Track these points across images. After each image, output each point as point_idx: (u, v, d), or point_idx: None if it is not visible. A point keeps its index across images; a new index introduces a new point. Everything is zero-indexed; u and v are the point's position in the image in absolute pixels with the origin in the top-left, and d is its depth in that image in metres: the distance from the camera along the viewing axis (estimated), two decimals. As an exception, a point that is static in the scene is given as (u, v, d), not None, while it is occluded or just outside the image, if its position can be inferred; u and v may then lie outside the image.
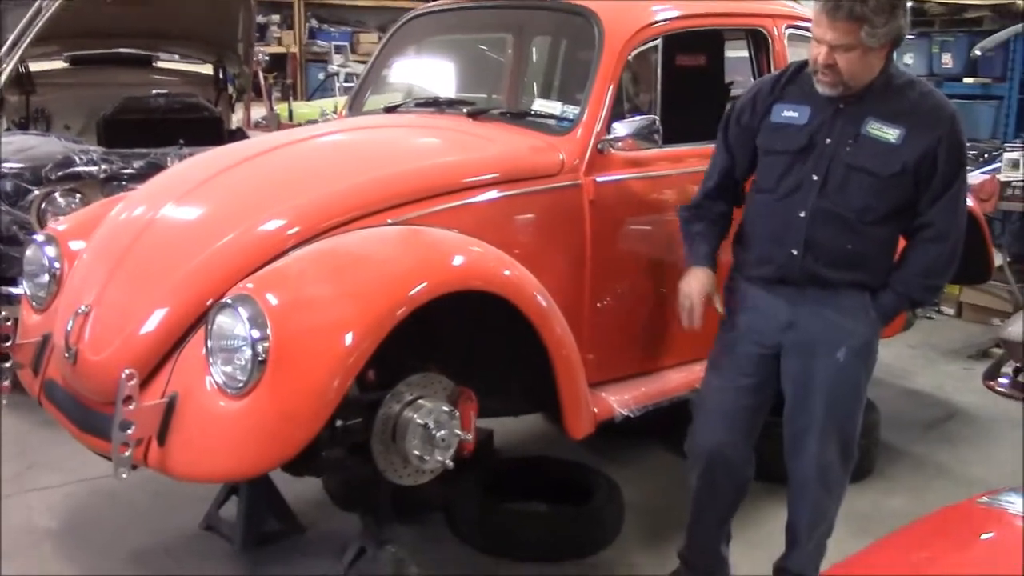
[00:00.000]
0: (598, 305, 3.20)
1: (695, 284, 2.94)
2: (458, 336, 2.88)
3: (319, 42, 14.06)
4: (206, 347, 2.54)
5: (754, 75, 3.84)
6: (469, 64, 4.37)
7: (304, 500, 3.71)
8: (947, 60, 7.63)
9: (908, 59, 8.17)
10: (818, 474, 2.89)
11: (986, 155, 6.96)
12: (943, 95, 2.80)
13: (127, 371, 2.47)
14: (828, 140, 2.73)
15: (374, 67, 4.13)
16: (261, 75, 9.28)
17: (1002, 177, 6.20)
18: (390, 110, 3.85)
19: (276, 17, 14.20)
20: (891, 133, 2.67)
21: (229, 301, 2.50)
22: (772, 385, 2.92)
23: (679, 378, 3.44)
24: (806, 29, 4.06)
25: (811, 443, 2.86)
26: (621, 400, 3.23)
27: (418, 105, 3.78)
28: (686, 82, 3.80)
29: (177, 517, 3.67)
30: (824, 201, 2.72)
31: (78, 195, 4.65)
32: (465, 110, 3.53)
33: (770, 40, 3.79)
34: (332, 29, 14.24)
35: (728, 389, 2.95)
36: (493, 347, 2.97)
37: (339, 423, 2.83)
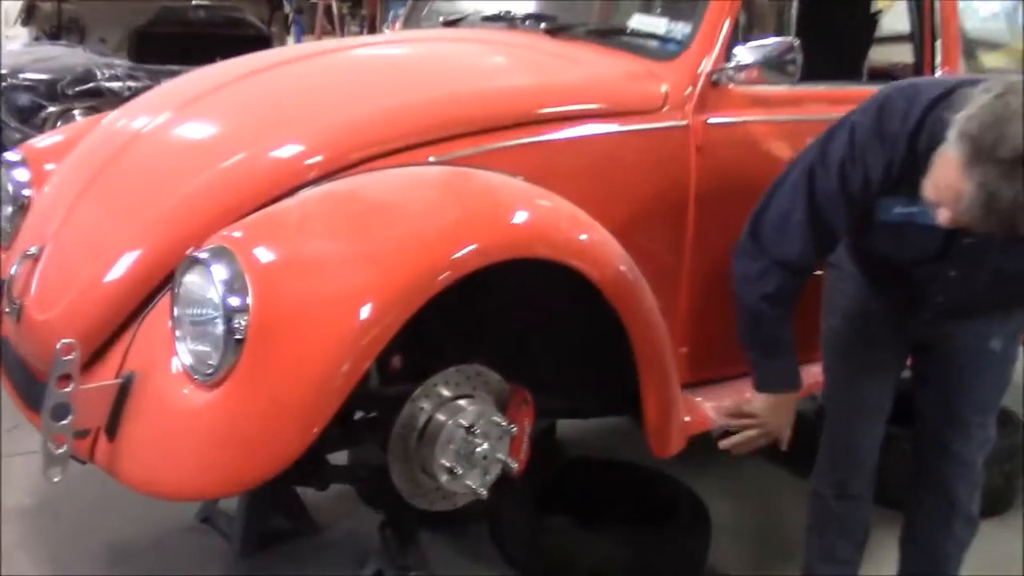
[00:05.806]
0: (700, 284, 2.70)
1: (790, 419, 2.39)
2: (511, 317, 2.37)
3: (401, -23, 13.87)
4: (172, 315, 1.96)
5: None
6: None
7: (323, 494, 3.10)
8: None
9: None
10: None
11: None
12: None
13: (64, 341, 1.90)
14: (967, 239, 2.04)
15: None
16: (335, 5, 9.17)
17: None
18: (450, 23, 3.29)
19: (360, -49, 14.26)
20: None
21: (201, 255, 1.92)
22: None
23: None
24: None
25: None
26: (720, 408, 2.60)
27: (485, 19, 3.22)
28: (824, 6, 3.19)
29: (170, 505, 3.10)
30: (964, 290, 2.20)
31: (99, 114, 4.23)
32: (543, 25, 2.98)
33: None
34: (414, -35, 14.10)
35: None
36: (556, 332, 2.44)
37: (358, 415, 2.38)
